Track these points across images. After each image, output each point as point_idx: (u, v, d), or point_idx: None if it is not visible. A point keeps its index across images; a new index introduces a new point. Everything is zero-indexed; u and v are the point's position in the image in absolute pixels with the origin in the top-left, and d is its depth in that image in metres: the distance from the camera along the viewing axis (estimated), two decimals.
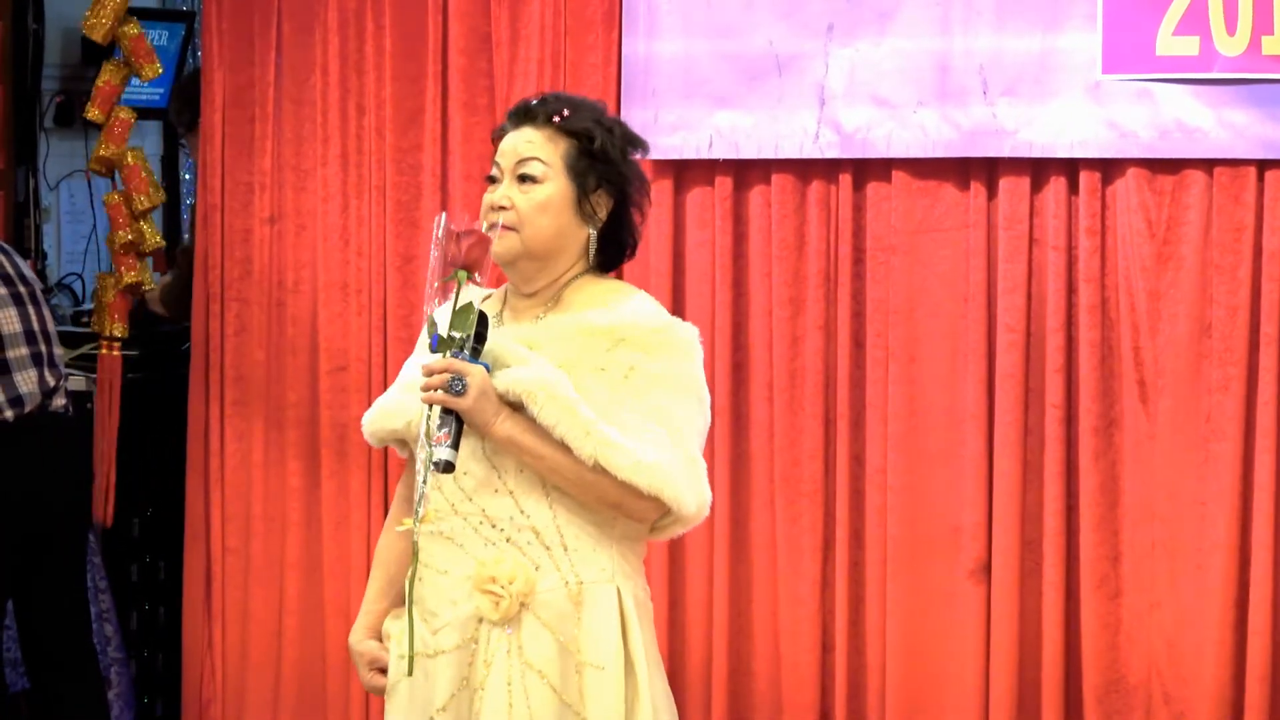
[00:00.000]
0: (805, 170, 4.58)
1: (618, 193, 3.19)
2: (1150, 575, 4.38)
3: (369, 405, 4.95)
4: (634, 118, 4.63)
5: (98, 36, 5.09)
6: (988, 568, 4.47)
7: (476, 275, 3.12)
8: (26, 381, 4.69)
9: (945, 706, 4.51)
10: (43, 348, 4.75)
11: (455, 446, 3.07)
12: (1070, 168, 4.39)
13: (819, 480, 4.59)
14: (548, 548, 3.12)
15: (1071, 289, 4.41)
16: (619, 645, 3.12)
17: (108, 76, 5.16)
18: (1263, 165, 4.26)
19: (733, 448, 4.64)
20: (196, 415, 5.13)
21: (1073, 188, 4.40)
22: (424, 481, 3.09)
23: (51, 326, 4.82)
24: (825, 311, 4.59)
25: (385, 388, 4.86)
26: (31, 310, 4.76)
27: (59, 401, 4.77)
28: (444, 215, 3.14)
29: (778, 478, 4.61)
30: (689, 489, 3.08)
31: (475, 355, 3.09)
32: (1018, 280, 4.43)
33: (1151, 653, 4.38)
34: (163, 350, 5.33)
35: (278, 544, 5.05)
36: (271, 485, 5.06)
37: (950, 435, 4.50)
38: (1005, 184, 4.43)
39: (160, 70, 5.20)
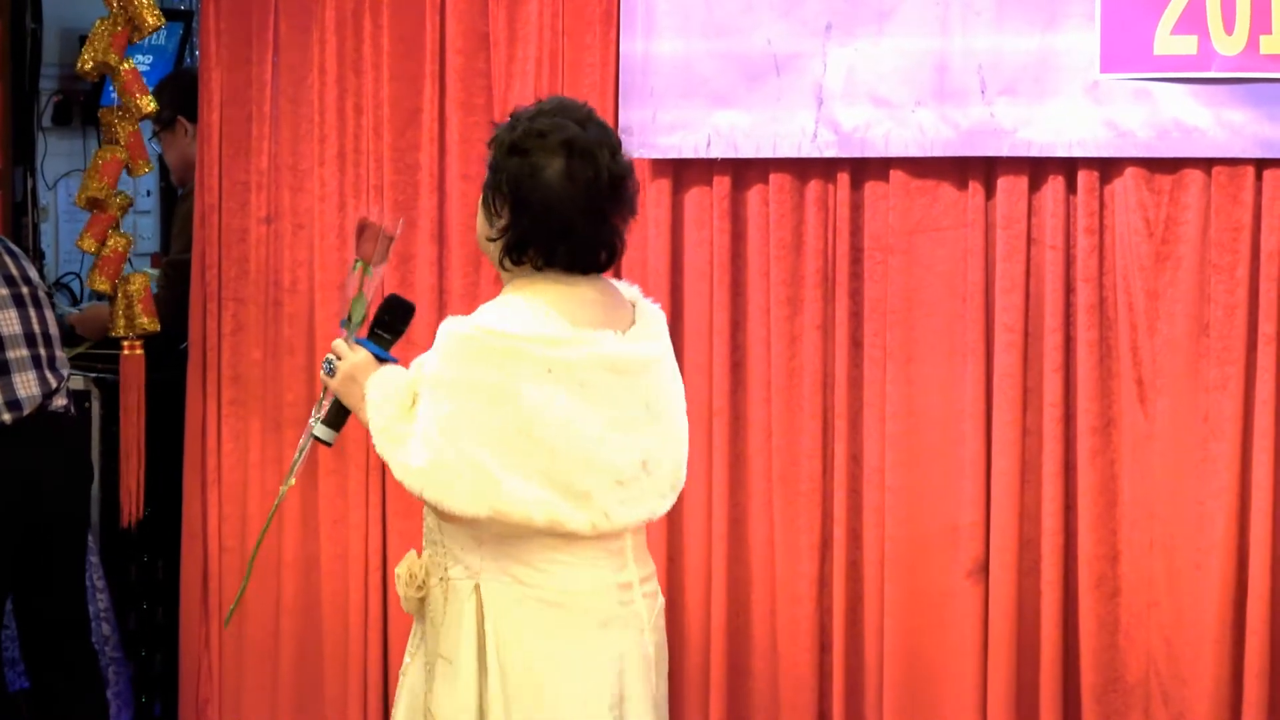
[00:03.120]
0: (803, 170, 4.58)
1: (510, 192, 3.21)
2: (1148, 574, 4.38)
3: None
4: (632, 117, 4.64)
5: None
6: (985, 567, 4.47)
7: (374, 266, 3.38)
8: (25, 384, 4.69)
9: (943, 706, 4.51)
10: (43, 350, 4.74)
11: (330, 425, 3.37)
12: (1068, 167, 4.39)
13: (817, 479, 4.59)
14: (435, 544, 3.32)
15: (1069, 288, 4.41)
16: (471, 641, 3.23)
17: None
18: (1261, 164, 4.26)
19: (731, 447, 4.64)
20: (194, 415, 5.13)
21: (1071, 187, 4.40)
22: (300, 451, 3.45)
23: (54, 329, 4.82)
24: (823, 311, 4.58)
25: None
26: (33, 312, 4.76)
27: (59, 402, 4.77)
28: (358, 215, 3.44)
29: (775, 477, 4.61)
30: (448, 491, 3.16)
31: (383, 343, 3.34)
32: (1016, 279, 4.43)
33: (1150, 652, 4.38)
34: (160, 350, 5.32)
35: (275, 543, 5.04)
36: (269, 484, 5.05)
37: (948, 434, 4.50)
38: (1003, 183, 4.43)
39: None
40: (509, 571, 3.23)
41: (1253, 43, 4.20)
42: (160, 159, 5.95)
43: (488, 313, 3.21)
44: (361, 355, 3.32)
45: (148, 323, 5.15)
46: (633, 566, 3.35)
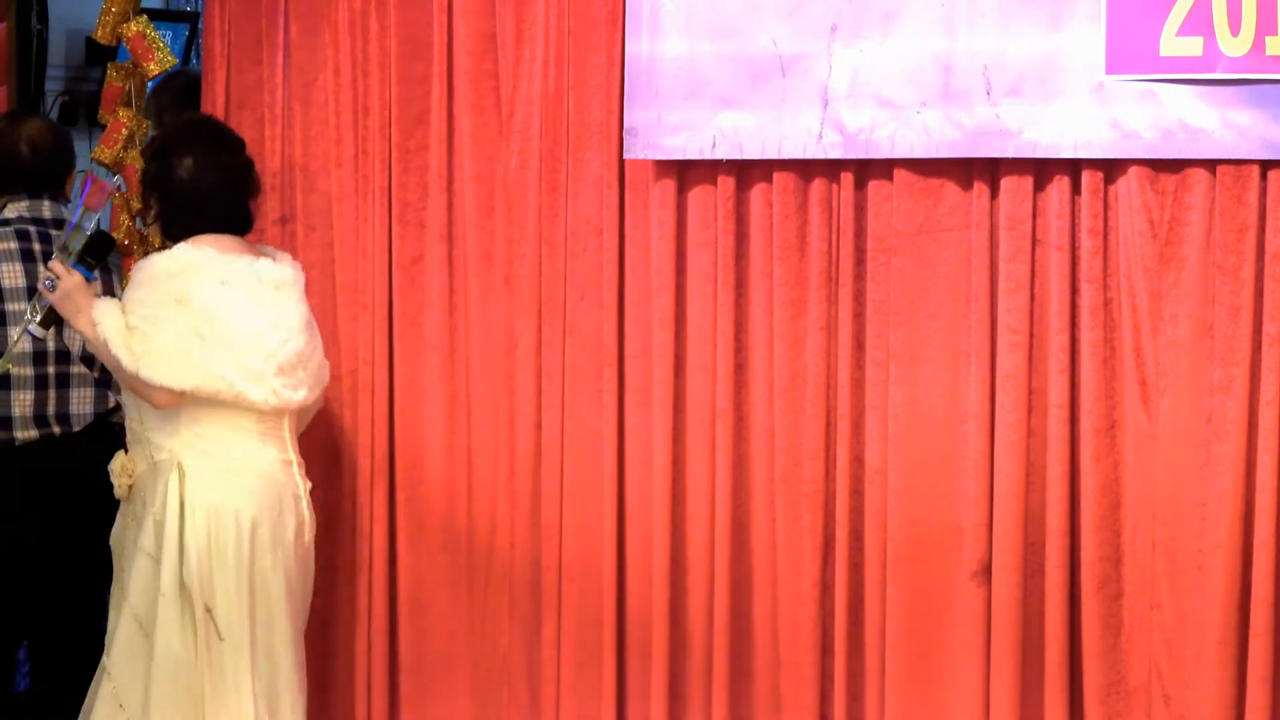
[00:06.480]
0: (808, 170, 4.57)
1: (155, 189, 4.38)
2: (1151, 576, 4.37)
3: (377, 407, 4.99)
4: (637, 118, 4.64)
5: (101, 37, 5.09)
6: (989, 569, 4.46)
7: (94, 213, 4.37)
8: (80, 401, 4.77)
9: (946, 708, 4.50)
10: (100, 372, 4.80)
11: (44, 326, 4.36)
12: (1073, 168, 4.39)
13: (820, 481, 4.59)
14: (140, 441, 4.33)
15: (1074, 289, 4.41)
16: (176, 498, 4.22)
17: (111, 77, 5.17)
18: (1266, 165, 4.25)
19: (734, 448, 4.63)
20: None
21: (1075, 188, 4.40)
22: (14, 343, 4.47)
23: None
24: (827, 312, 4.58)
25: (392, 389, 4.87)
26: None
27: (113, 419, 4.83)
28: (87, 175, 4.45)
29: (778, 478, 4.61)
30: (158, 370, 4.17)
31: (89, 267, 4.32)
32: (1020, 281, 4.42)
33: (1153, 654, 4.37)
34: None
35: None
36: None
37: (952, 436, 4.49)
38: (1008, 184, 4.43)
39: (173, 61, 5.18)
40: (199, 448, 4.24)
41: (1259, 44, 4.19)
42: None
43: (168, 253, 4.26)
44: (77, 278, 4.29)
45: None
46: (290, 450, 4.40)
